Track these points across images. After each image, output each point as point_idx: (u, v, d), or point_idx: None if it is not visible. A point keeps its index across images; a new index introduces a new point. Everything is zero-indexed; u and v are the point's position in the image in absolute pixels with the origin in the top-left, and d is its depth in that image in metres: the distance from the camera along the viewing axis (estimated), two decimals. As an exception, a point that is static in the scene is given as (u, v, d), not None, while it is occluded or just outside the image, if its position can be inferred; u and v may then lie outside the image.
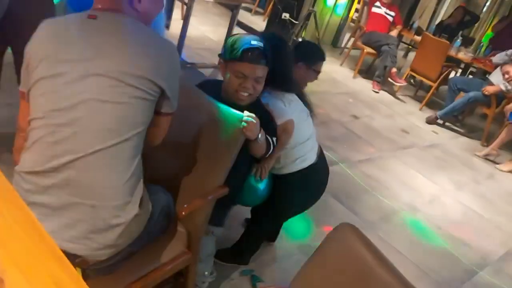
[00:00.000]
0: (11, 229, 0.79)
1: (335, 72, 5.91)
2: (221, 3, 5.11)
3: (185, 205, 1.24)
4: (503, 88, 4.60)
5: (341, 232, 1.11)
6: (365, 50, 5.77)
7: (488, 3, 10.56)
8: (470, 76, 6.45)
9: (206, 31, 5.24)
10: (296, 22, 6.28)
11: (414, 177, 3.65)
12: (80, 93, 1.05)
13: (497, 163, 4.46)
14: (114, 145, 1.06)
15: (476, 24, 10.44)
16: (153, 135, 1.22)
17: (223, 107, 1.41)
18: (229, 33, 4.33)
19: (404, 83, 5.77)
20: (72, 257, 0.99)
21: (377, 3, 5.96)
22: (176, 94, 1.21)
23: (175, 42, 3.95)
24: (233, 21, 4.24)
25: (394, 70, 5.69)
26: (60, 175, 1.04)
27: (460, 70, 6.61)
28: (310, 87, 5.31)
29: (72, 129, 1.04)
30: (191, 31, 4.10)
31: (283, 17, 6.27)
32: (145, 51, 1.11)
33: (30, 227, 0.82)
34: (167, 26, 4.94)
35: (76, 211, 1.05)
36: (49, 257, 0.77)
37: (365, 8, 6.41)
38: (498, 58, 4.86)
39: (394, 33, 6.05)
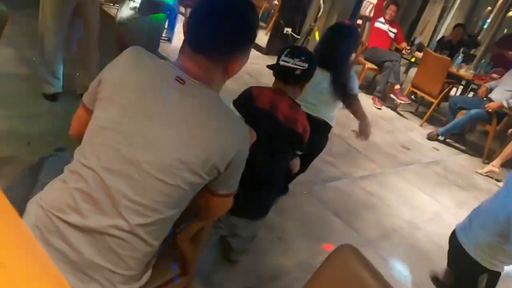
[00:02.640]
0: (11, 250, 0.78)
1: (336, 87, 5.92)
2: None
3: (182, 226, 1.23)
4: (505, 104, 4.60)
5: (341, 253, 1.10)
6: (366, 66, 5.80)
7: (489, 20, 10.65)
8: (472, 93, 6.47)
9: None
10: (298, 37, 6.33)
11: (415, 194, 3.63)
12: (139, 162, 0.99)
13: (499, 181, 4.44)
14: (152, 223, 1.02)
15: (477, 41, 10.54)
16: (206, 215, 1.21)
17: None
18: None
19: (407, 101, 5.78)
20: None
21: (381, 19, 6.00)
22: (237, 176, 1.15)
23: (177, 55, 3.97)
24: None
25: (397, 87, 5.72)
26: (92, 235, 1.00)
27: (461, 87, 6.62)
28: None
29: (119, 196, 0.99)
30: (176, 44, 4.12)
31: (285, 31, 6.33)
32: (219, 136, 1.03)
33: (31, 250, 0.81)
34: (170, 40, 4.98)
35: (93, 270, 1.01)
36: (49, 282, 0.76)
37: (367, 23, 6.47)
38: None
39: (404, 51, 6.09)
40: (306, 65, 1.81)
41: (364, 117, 2.59)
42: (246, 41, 1.10)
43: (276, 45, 5.78)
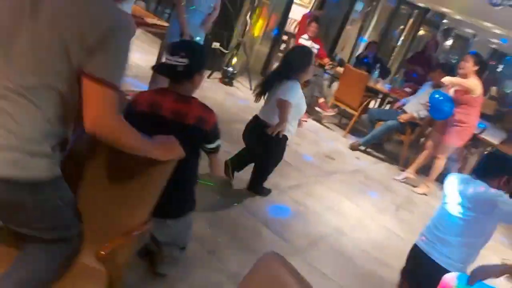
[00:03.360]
0: None
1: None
2: (151, 31, 5.09)
3: (106, 244, 1.19)
4: (416, 115, 5.02)
5: (266, 261, 1.14)
6: (292, 80, 6.00)
7: (402, 38, 11.56)
8: (388, 105, 6.95)
9: (135, 59, 5.17)
10: (226, 51, 6.42)
11: (340, 202, 3.81)
12: (23, 30, 1.13)
13: (414, 186, 4.80)
14: (35, 85, 1.13)
15: (392, 57, 11.39)
16: (84, 106, 1.17)
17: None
18: (158, 61, 4.31)
19: (333, 113, 6.07)
20: None
21: (305, 36, 6.27)
22: (115, 63, 1.19)
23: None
24: (163, 49, 4.23)
25: (322, 100, 5.99)
26: None
27: (379, 100, 7.08)
28: (241, 115, 5.43)
29: (6, 58, 1.13)
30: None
31: (213, 46, 6.38)
32: (90, 8, 1.15)
33: None
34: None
35: None
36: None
37: (292, 40, 6.73)
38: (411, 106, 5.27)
39: (327, 66, 6.39)
40: (186, 61, 1.75)
41: (282, 120, 2.88)
42: None
43: (204, 59, 5.81)
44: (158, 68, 1.83)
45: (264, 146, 3.09)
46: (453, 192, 2.27)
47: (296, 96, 2.92)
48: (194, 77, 1.82)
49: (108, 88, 1.16)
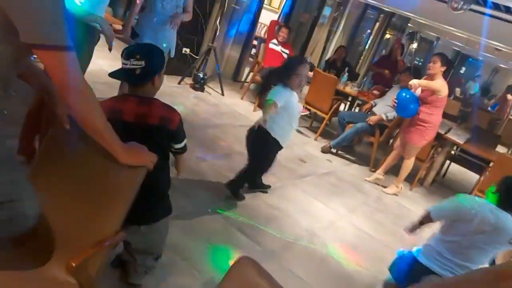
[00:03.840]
0: None
1: (236, 105, 6.10)
2: (119, 38, 5.02)
3: (77, 254, 1.17)
4: (384, 117, 5.15)
5: (239, 266, 1.15)
6: (263, 85, 6.05)
7: (369, 41, 11.83)
8: (357, 108, 7.10)
9: (103, 65, 5.09)
10: (197, 57, 6.42)
11: (312, 204, 3.86)
12: None
13: (384, 187, 4.92)
14: None
15: (360, 61, 11.63)
16: (56, 85, 1.15)
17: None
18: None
19: (306, 112, 6.15)
20: None
21: (274, 41, 6.35)
22: (39, 20, 1.08)
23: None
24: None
25: None
26: None
27: (348, 103, 7.22)
28: (212, 121, 5.41)
29: None
30: (89, 65, 3.95)
31: (183, 52, 6.37)
32: None
33: None
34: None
35: None
36: None
37: (262, 45, 6.79)
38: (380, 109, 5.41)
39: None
40: (143, 63, 1.72)
41: (264, 116, 3.20)
42: None
43: (175, 66, 5.78)
44: (116, 74, 1.79)
45: (257, 149, 3.36)
46: (478, 221, 2.20)
47: (281, 98, 3.09)
48: (153, 78, 1.80)
49: (54, 51, 1.10)
